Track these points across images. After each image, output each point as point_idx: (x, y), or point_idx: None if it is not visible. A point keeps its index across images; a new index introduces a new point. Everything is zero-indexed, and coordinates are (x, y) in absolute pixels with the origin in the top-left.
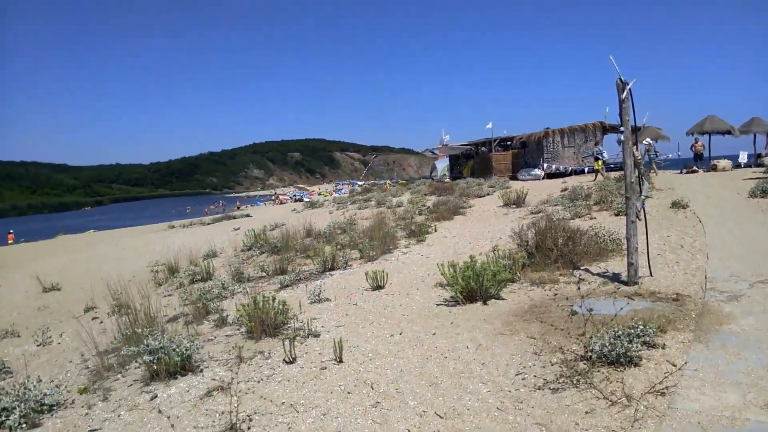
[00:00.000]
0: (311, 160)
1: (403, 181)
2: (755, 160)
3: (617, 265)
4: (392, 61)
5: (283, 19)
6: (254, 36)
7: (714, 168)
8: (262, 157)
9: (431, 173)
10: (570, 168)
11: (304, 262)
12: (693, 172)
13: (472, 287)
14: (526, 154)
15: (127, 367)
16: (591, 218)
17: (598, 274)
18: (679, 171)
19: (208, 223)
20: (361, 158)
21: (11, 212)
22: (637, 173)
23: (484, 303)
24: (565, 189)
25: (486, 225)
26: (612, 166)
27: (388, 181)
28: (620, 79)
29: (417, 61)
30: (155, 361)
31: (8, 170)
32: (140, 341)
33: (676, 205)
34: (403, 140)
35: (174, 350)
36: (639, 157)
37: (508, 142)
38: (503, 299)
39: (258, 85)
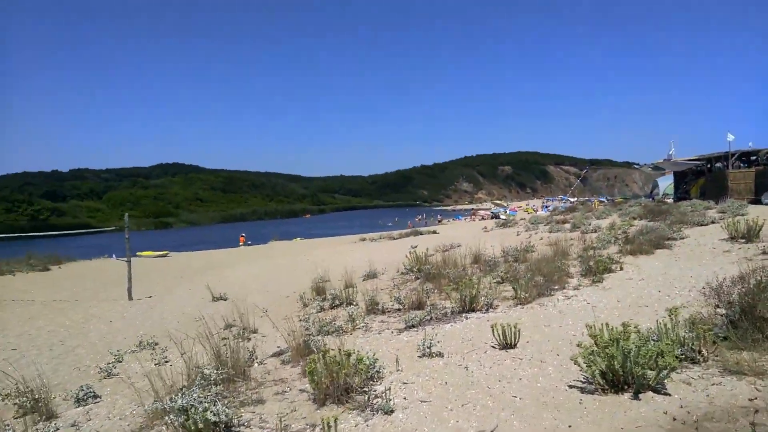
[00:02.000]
0: (522, 173)
1: (621, 199)
2: None
3: None
4: (619, 61)
5: (495, 33)
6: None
7: None
8: (471, 170)
9: (652, 191)
10: None
11: (449, 295)
12: None
13: (615, 370)
14: None
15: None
16: None
17: None
18: None
19: (395, 238)
20: (577, 172)
21: (251, 216)
22: None
23: (635, 396)
24: None
25: (694, 265)
26: None
27: (597, 199)
28: None
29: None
30: (181, 425)
31: (254, 179)
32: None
33: None
34: (627, 153)
35: (200, 413)
36: None
37: (753, 157)
38: (667, 394)
39: (474, 98)
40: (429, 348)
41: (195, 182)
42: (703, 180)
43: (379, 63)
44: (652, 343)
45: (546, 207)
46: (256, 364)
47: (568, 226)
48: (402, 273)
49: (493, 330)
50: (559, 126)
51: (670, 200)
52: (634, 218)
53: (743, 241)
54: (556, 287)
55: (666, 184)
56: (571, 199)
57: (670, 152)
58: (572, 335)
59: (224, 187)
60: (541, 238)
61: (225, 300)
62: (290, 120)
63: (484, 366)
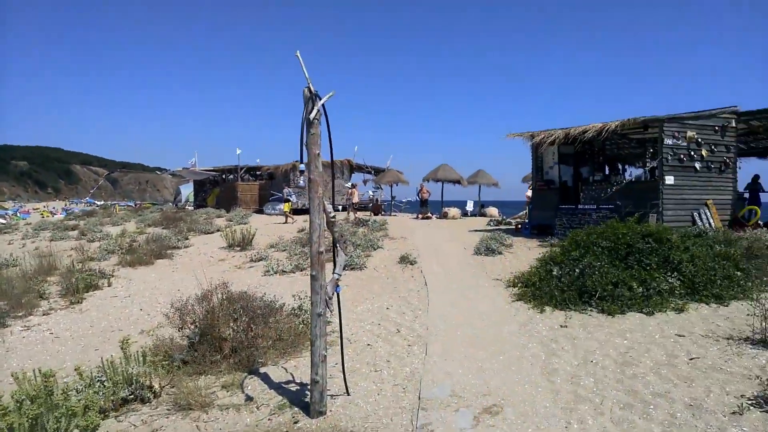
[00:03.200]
0: (42, 171)
1: (148, 204)
2: (479, 210)
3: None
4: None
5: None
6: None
7: (445, 215)
8: None
9: (175, 199)
10: None
11: None
12: (427, 218)
13: None
14: (273, 186)
15: None
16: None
17: (280, 386)
18: (415, 216)
19: None
20: (108, 174)
21: None
22: (332, 238)
23: None
24: (303, 229)
25: (189, 275)
26: (362, 206)
27: (119, 204)
28: (309, 89)
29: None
30: None
31: None
32: None
33: (405, 260)
34: (159, 159)
35: None
36: (331, 214)
37: (258, 172)
38: None
39: None
40: None
41: None
42: (218, 190)
43: None
44: (88, 392)
45: (68, 210)
46: None
47: (75, 233)
48: None
49: None
50: (87, 125)
51: (191, 207)
52: (150, 225)
53: (238, 249)
54: (21, 313)
55: (188, 191)
56: (98, 203)
57: (191, 161)
58: (10, 385)
59: None
60: (37, 248)
61: None
62: None
63: None
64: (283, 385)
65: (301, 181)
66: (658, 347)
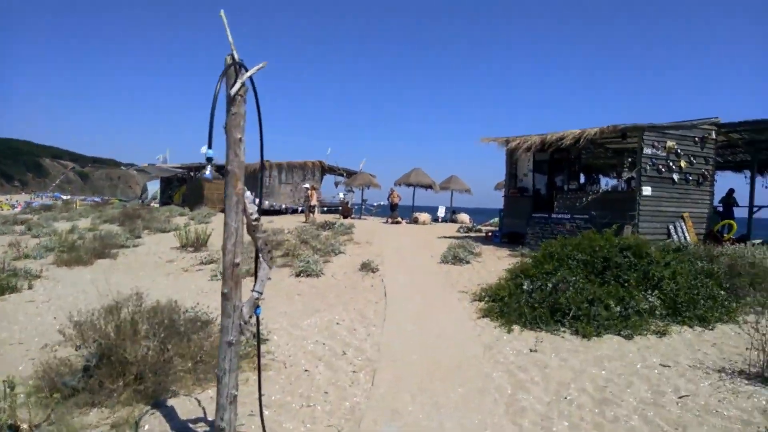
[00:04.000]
0: (10, 163)
1: (114, 200)
2: (450, 216)
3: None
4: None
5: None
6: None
7: (416, 221)
8: None
9: (141, 195)
10: (284, 206)
11: None
12: (397, 222)
13: None
14: None
15: None
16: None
17: (186, 426)
18: (385, 220)
19: None
20: (79, 169)
21: None
22: (255, 248)
23: None
24: (265, 231)
25: (127, 278)
26: (326, 209)
27: (78, 199)
28: (233, 57)
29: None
30: None
31: None
32: None
33: (367, 267)
34: (133, 155)
35: None
36: (254, 217)
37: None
38: None
39: None
40: None
41: None
42: (185, 188)
43: None
44: None
45: (31, 203)
46: None
47: (22, 228)
48: None
49: None
50: (58, 117)
51: (156, 204)
52: (106, 221)
53: (192, 249)
54: None
55: (155, 188)
56: (64, 197)
57: (159, 157)
58: None
59: None
60: None
61: None
62: None
63: None
64: (190, 425)
65: (207, 173)
66: (641, 380)
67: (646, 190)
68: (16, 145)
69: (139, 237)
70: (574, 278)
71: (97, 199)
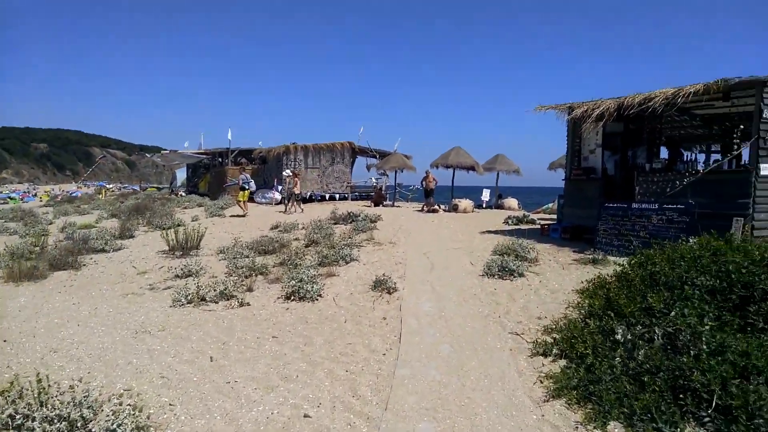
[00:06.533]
0: (62, 153)
1: (152, 188)
2: (496, 201)
3: None
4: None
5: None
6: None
7: (455, 208)
8: None
9: (171, 183)
10: (310, 193)
11: None
12: (434, 210)
13: None
14: (265, 171)
15: None
16: (244, 304)
17: None
18: (420, 208)
19: None
20: (126, 157)
21: None
22: None
23: None
24: (276, 226)
25: (75, 298)
26: (358, 194)
27: (108, 186)
28: None
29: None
30: None
31: None
32: None
33: (381, 285)
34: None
35: None
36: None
37: (252, 155)
38: None
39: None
40: None
41: None
42: (209, 176)
43: None
44: None
45: (73, 193)
46: None
47: (14, 225)
48: None
49: None
50: (107, 107)
51: (183, 193)
52: (113, 215)
53: (180, 254)
54: None
55: (183, 176)
56: (109, 185)
57: (186, 143)
58: None
59: None
60: None
61: None
62: None
63: None
64: None
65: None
66: None
67: (765, 169)
68: (66, 136)
69: (131, 237)
70: (698, 321)
71: (135, 187)
